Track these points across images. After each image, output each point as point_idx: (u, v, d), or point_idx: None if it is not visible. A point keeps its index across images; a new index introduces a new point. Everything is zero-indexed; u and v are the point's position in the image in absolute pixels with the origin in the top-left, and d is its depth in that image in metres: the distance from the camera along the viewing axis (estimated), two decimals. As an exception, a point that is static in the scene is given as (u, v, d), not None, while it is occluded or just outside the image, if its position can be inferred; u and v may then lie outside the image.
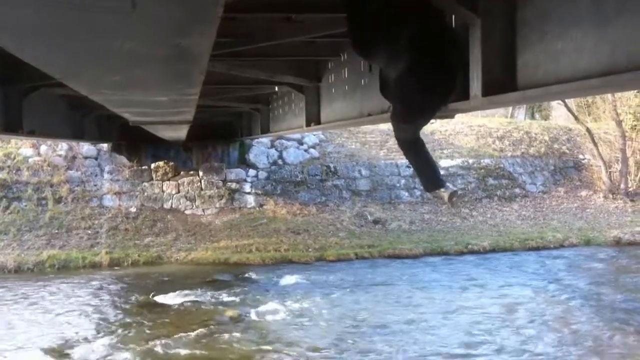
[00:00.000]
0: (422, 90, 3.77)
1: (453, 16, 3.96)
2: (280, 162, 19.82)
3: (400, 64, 3.70)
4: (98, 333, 10.49)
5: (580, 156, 22.59)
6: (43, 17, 1.50)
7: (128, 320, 11.33)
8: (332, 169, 19.80)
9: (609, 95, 20.58)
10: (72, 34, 1.65)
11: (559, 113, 28.57)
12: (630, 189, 20.91)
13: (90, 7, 1.38)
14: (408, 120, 4.03)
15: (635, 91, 19.72)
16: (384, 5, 3.71)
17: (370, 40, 3.82)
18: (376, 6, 3.70)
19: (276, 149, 19.93)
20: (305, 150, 20.29)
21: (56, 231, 16.72)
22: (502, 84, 3.49)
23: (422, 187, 4.50)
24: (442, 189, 4.38)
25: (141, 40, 1.73)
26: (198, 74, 2.41)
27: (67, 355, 9.49)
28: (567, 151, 22.74)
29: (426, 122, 4.18)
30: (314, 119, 8.48)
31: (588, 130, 21.41)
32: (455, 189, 4.62)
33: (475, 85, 3.65)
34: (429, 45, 3.71)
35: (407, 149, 4.33)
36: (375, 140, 21.20)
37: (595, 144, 21.22)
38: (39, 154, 18.24)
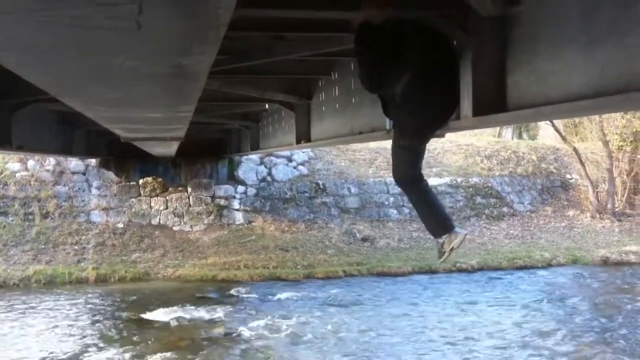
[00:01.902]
0: (429, 99, 3.79)
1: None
2: (269, 178, 19.82)
3: (406, 76, 3.72)
4: (83, 350, 10.39)
5: (568, 176, 22.73)
6: (44, 35, 1.51)
7: (114, 336, 11.24)
8: (321, 186, 19.81)
9: (596, 116, 20.76)
10: (73, 52, 1.67)
11: (546, 132, 28.76)
12: (617, 209, 21.05)
13: (95, 26, 1.40)
14: (415, 132, 3.97)
15: (630, 112, 19.90)
16: (388, 34, 3.74)
17: (381, 74, 3.83)
18: (381, 41, 3.73)
19: (265, 166, 19.93)
20: (295, 167, 20.30)
21: (43, 246, 16.60)
22: (493, 104, 3.52)
23: (426, 229, 4.17)
24: (452, 232, 4.09)
25: (143, 58, 1.75)
26: (195, 92, 2.43)
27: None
28: (555, 171, 22.88)
29: (432, 133, 4.08)
30: (304, 136, 8.51)
31: (575, 150, 21.57)
32: (466, 232, 4.31)
33: (466, 105, 3.70)
34: (434, 57, 3.77)
35: (410, 186, 4.18)
36: (365, 158, 21.26)
37: (582, 164, 21.37)
38: (26, 169, 18.14)
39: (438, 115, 3.90)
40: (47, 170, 18.22)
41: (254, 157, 19.31)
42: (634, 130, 21.17)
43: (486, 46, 3.52)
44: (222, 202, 18.91)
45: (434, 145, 22.12)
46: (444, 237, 4.07)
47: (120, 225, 17.84)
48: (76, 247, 16.75)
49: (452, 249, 4.07)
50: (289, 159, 20.28)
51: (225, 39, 4.77)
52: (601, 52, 2.51)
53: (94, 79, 2.12)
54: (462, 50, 3.75)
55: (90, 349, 10.43)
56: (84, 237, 17.12)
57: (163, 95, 2.58)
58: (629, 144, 21.35)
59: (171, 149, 10.07)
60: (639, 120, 21.11)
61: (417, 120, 3.89)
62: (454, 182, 21.00)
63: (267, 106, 10.01)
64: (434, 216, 4.16)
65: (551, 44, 2.94)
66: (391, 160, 4.22)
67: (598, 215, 20.75)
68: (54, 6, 1.29)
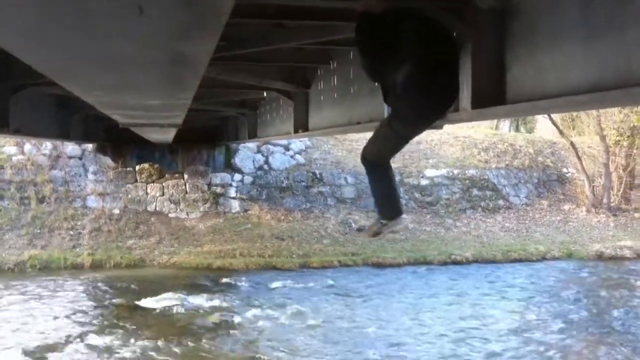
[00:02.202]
0: (430, 90, 3.80)
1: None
2: (266, 167, 19.81)
3: (407, 66, 3.73)
4: (77, 336, 10.39)
5: (564, 170, 22.78)
6: (46, 18, 1.51)
7: (108, 323, 11.25)
8: (318, 176, 19.82)
9: (594, 110, 20.77)
10: (75, 35, 1.67)
11: (543, 126, 28.78)
12: (613, 204, 21.10)
13: (97, 10, 1.39)
14: (414, 122, 3.98)
15: (628, 107, 19.91)
16: (389, 23, 3.75)
17: (382, 64, 3.86)
18: (382, 30, 3.74)
19: (262, 154, 19.92)
20: (292, 157, 20.30)
21: (38, 231, 16.59)
22: (491, 96, 3.53)
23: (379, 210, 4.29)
24: (399, 219, 4.29)
25: (144, 44, 1.74)
26: (194, 79, 2.43)
27: (45, 358, 9.40)
28: (551, 164, 22.92)
29: (430, 124, 4.12)
30: (302, 125, 8.50)
31: (572, 144, 21.59)
32: (407, 218, 4.53)
33: (465, 97, 3.70)
34: (435, 48, 3.77)
35: (380, 169, 4.23)
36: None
37: (579, 158, 21.40)
38: (23, 153, 18.10)
39: (437, 106, 3.91)
40: (44, 155, 18.18)
41: (251, 145, 19.30)
42: (631, 125, 21.18)
43: (485, 38, 3.53)
44: (219, 189, 18.91)
45: (431, 136, 22.13)
46: (391, 220, 4.25)
47: (116, 211, 17.83)
48: (72, 232, 16.75)
49: (391, 232, 4.34)
50: (286, 148, 20.27)
51: (225, 26, 4.76)
52: (600, 46, 2.51)
53: (93, 63, 2.12)
54: (462, 42, 3.75)
55: (82, 335, 10.43)
56: (79, 223, 17.11)
57: (162, 81, 2.57)
58: (626, 138, 21.38)
59: (168, 135, 10.07)
60: (636, 115, 21.09)
61: (416, 110, 3.89)
62: (451, 173, 21.02)
63: (265, 94, 10.00)
64: (391, 200, 4.30)
65: (550, 37, 2.94)
66: (370, 140, 4.24)
67: (594, 210, 20.81)
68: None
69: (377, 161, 4.18)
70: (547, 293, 14.07)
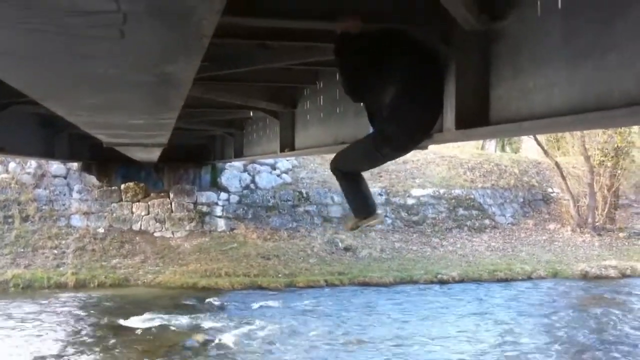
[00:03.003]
0: (416, 111, 3.82)
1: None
2: (252, 186, 19.78)
3: (393, 88, 3.75)
4: (59, 356, 10.27)
5: (549, 189, 22.92)
6: (30, 42, 1.51)
7: (92, 342, 11.13)
8: (305, 195, 19.81)
9: (578, 131, 20.96)
10: (58, 58, 1.66)
11: (529, 145, 28.99)
12: (598, 224, 21.23)
13: (80, 34, 1.39)
14: (401, 144, 4.00)
15: (609, 129, 20.12)
16: (370, 45, 3.78)
17: (364, 84, 3.89)
18: (363, 51, 3.78)
19: (249, 173, 19.90)
20: (278, 175, 20.29)
21: (22, 250, 16.43)
22: (475, 117, 3.55)
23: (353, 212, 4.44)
24: (374, 215, 4.41)
25: (126, 66, 1.74)
26: (178, 100, 2.43)
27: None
28: (536, 184, 23.05)
29: (415, 145, 4.13)
30: (288, 144, 8.50)
31: (557, 164, 21.75)
32: (382, 212, 4.67)
33: (449, 118, 3.72)
34: (420, 69, 3.79)
35: (352, 178, 4.35)
36: (348, 168, 21.24)
37: (564, 178, 21.55)
38: (7, 171, 17.97)
39: (425, 126, 3.92)
40: (28, 173, 18.06)
41: (238, 164, 19.27)
42: (615, 145, 21.41)
43: (470, 60, 3.55)
44: (205, 208, 18.84)
45: (417, 156, 22.21)
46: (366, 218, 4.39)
47: (101, 230, 17.71)
48: (56, 252, 16.60)
49: (367, 225, 4.50)
50: (273, 167, 20.26)
51: (209, 46, 4.76)
52: (582, 69, 2.54)
53: (77, 84, 2.11)
54: (446, 64, 3.78)
55: (64, 355, 10.31)
56: (63, 242, 16.97)
57: (146, 102, 2.57)
58: (610, 159, 21.57)
59: (154, 154, 10.04)
60: (620, 135, 21.35)
61: (405, 132, 3.90)
62: (437, 193, 21.09)
63: (251, 113, 9.99)
64: (364, 201, 4.43)
65: (534, 61, 2.97)
66: (345, 152, 4.34)
67: (579, 229, 20.92)
68: (39, 14, 1.28)
69: (353, 173, 4.24)
70: (534, 312, 14.08)
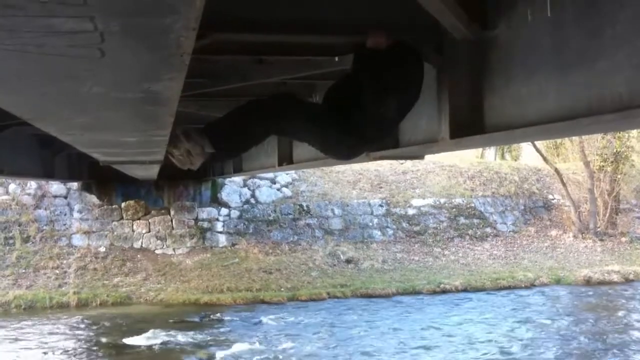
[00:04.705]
0: (397, 118, 3.90)
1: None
2: (252, 201, 19.77)
3: (394, 97, 3.76)
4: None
5: (550, 196, 22.89)
6: (9, 63, 1.50)
7: (95, 362, 11.11)
8: (305, 208, 19.79)
9: (577, 137, 20.98)
10: (40, 79, 1.66)
11: (528, 152, 28.98)
12: (599, 229, 21.19)
13: (60, 54, 1.39)
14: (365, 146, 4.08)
15: (602, 133, 20.14)
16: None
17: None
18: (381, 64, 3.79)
19: (249, 188, 19.89)
20: (278, 189, 20.28)
21: (23, 271, 16.41)
22: (469, 126, 3.55)
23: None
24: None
25: (110, 84, 1.74)
26: (167, 117, 2.42)
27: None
28: (537, 191, 23.02)
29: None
30: (286, 158, 8.50)
31: (557, 170, 21.75)
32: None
33: (444, 128, 3.72)
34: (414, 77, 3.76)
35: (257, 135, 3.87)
36: (348, 180, 21.28)
37: (564, 185, 21.54)
38: (7, 193, 17.98)
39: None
40: (28, 194, 18.06)
41: (238, 179, 19.27)
42: (615, 150, 21.41)
43: (463, 69, 3.56)
44: (205, 224, 18.82)
45: (416, 166, 22.22)
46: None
47: (102, 249, 17.69)
48: (57, 272, 16.58)
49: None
50: (273, 181, 20.26)
51: (202, 62, 4.75)
52: (574, 76, 2.55)
53: (62, 104, 2.11)
54: (439, 73, 3.78)
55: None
56: (65, 261, 16.95)
57: (135, 120, 2.57)
58: (609, 164, 21.57)
59: (152, 172, 10.02)
60: (619, 140, 21.35)
61: (380, 138, 4.03)
62: (437, 202, 21.06)
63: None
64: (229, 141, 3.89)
65: (526, 68, 2.98)
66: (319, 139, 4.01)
67: (580, 235, 20.88)
68: (16, 35, 1.28)
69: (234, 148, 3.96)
70: (538, 318, 14.03)
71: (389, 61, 3.69)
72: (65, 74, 1.60)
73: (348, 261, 18.35)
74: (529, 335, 12.81)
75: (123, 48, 1.38)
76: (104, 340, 12.44)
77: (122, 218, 18.31)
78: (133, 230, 18.26)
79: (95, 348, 11.99)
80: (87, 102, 2.00)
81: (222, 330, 13.24)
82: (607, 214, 21.52)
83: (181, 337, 12.43)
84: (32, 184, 18.07)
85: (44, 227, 17.62)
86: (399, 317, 14.43)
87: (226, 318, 14.25)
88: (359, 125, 3.81)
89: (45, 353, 11.57)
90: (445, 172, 22.90)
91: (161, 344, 12.04)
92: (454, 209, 20.99)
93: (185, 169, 3.69)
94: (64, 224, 17.89)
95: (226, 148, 3.79)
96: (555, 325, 13.56)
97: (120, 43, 1.34)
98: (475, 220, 20.93)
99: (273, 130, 3.99)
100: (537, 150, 22.90)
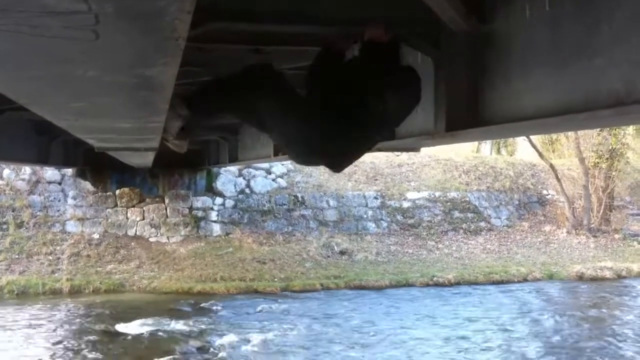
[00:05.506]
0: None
1: (419, 53, 4.03)
2: (247, 191, 19.76)
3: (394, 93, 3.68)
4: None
5: (545, 192, 22.94)
6: (4, 44, 1.49)
7: (86, 348, 11.09)
8: (300, 199, 19.79)
9: (572, 133, 21.01)
10: (35, 61, 1.65)
11: (524, 148, 29.02)
12: (593, 225, 21.25)
13: (54, 35, 1.38)
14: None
15: (597, 129, 20.18)
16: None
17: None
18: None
19: (244, 178, 19.88)
20: (273, 180, 20.27)
21: (16, 256, 16.38)
22: (465, 120, 3.55)
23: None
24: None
25: (104, 68, 1.73)
26: (162, 103, 2.41)
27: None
28: (532, 186, 23.06)
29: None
30: (282, 148, 8.48)
31: (552, 166, 21.78)
32: None
33: (440, 121, 3.72)
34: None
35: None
36: (344, 171, 21.22)
37: (559, 180, 21.58)
38: (1, 178, 17.93)
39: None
40: (23, 179, 18.01)
41: (233, 169, 19.25)
42: (610, 147, 21.45)
43: (460, 62, 3.55)
44: (200, 213, 18.82)
45: (412, 159, 22.23)
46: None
47: (96, 235, 17.67)
48: (50, 258, 16.56)
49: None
50: (268, 172, 20.25)
51: (199, 51, 4.73)
52: (570, 71, 2.55)
53: (59, 88, 2.10)
54: (437, 67, 3.78)
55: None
56: (58, 248, 16.93)
57: (129, 105, 2.56)
58: (604, 161, 21.61)
59: (147, 159, 10.00)
60: (615, 137, 21.39)
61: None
62: (432, 196, 21.09)
63: (245, 118, 9.94)
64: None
65: (523, 63, 2.98)
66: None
67: (574, 231, 20.94)
68: (10, 15, 1.27)
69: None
70: (526, 314, 14.09)
71: (391, 58, 3.66)
72: (59, 57, 1.59)
73: (342, 253, 18.37)
74: (518, 328, 12.87)
75: (117, 30, 1.37)
76: (96, 327, 12.42)
77: (116, 205, 18.28)
78: (127, 218, 18.24)
79: (86, 335, 11.98)
80: (82, 86, 1.99)
81: (215, 319, 13.26)
82: (601, 211, 21.58)
83: (174, 325, 12.44)
84: (27, 170, 18.02)
85: (38, 213, 17.59)
86: (390, 308, 14.47)
87: (219, 307, 14.26)
88: (360, 124, 3.69)
89: (34, 339, 11.56)
90: (441, 165, 22.92)
91: (153, 332, 12.04)
92: (449, 203, 21.03)
93: (182, 152, 3.68)
94: (58, 210, 17.85)
95: (197, 110, 3.63)
96: (543, 318, 13.61)
97: (115, 25, 1.33)
98: (470, 215, 20.96)
99: (243, 103, 3.76)
100: (533, 145, 22.94)
